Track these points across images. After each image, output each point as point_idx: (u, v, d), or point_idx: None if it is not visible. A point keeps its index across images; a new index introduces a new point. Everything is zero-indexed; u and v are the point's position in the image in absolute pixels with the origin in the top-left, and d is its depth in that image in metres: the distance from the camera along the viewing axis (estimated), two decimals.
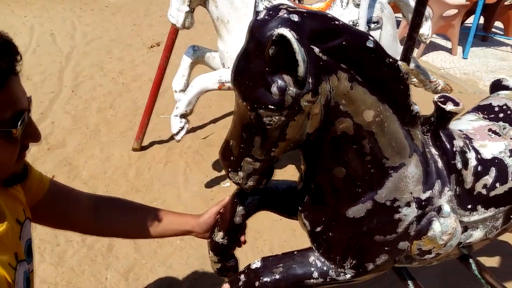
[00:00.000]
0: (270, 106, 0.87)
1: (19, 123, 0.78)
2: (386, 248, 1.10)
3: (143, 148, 3.21)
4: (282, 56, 0.82)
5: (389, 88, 0.97)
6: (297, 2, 2.95)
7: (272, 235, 2.52)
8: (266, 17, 0.87)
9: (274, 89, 0.85)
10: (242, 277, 1.16)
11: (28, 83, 4.10)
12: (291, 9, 0.87)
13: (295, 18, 0.85)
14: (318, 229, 1.14)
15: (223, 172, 3.01)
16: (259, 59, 0.86)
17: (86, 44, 5.10)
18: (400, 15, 3.16)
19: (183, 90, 2.63)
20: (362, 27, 2.53)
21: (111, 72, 4.44)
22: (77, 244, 2.39)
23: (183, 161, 3.14)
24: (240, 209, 1.22)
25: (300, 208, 1.21)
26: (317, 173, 1.09)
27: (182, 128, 2.53)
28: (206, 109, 3.84)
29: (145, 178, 2.93)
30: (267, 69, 0.85)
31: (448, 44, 5.81)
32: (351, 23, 2.53)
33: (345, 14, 2.59)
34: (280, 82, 0.85)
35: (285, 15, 0.85)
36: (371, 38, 0.90)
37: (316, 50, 0.87)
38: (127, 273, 2.25)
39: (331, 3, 2.64)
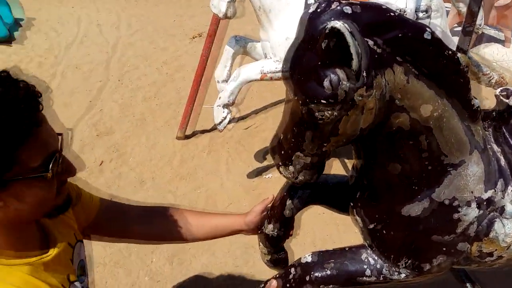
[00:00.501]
0: (322, 101, 0.85)
1: (50, 166, 0.81)
2: (444, 249, 1.06)
3: (186, 137, 3.28)
4: (335, 50, 0.80)
5: (448, 81, 0.93)
6: None
7: (315, 228, 2.51)
8: (318, 10, 0.85)
9: (326, 83, 0.84)
10: (293, 270, 1.16)
11: (77, 72, 4.26)
12: (344, 1, 0.85)
13: (348, 10, 0.83)
14: (371, 226, 1.12)
15: (265, 163, 3.03)
16: (311, 53, 0.84)
17: (130, 35, 5.22)
18: (448, 4, 3.03)
19: (226, 81, 2.64)
20: (410, 16, 2.44)
21: (155, 62, 4.53)
22: None
23: (225, 150, 3.18)
24: (290, 202, 1.22)
25: (351, 203, 1.19)
26: (370, 168, 1.07)
27: (225, 118, 2.55)
28: (247, 99, 3.86)
29: (189, 166, 2.99)
30: (319, 63, 0.83)
31: (500, 36, 5.52)
32: (397, 11, 2.44)
33: (391, 1, 2.51)
34: (333, 76, 0.83)
35: (338, 8, 0.83)
36: (429, 29, 0.87)
37: (371, 43, 0.85)
38: (172, 258, 2.31)
39: None
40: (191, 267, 2.28)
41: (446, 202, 1.03)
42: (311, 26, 0.84)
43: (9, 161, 0.76)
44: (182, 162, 3.03)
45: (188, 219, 1.30)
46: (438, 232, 1.05)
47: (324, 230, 2.50)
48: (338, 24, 0.78)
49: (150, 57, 4.64)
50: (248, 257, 2.32)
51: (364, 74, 0.84)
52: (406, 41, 0.86)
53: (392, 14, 0.86)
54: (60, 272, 0.94)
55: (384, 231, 1.10)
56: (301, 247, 2.35)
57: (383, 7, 0.87)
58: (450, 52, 0.90)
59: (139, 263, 2.28)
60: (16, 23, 5.14)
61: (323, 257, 1.15)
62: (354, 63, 0.80)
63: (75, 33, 5.22)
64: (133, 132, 3.34)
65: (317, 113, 0.88)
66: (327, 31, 0.79)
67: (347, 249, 1.17)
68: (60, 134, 0.88)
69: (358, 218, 1.17)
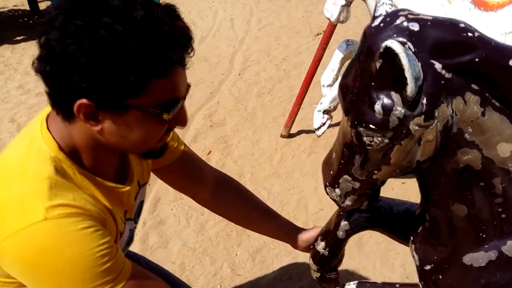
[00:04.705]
0: (370, 126, 0.78)
1: (171, 109, 0.82)
2: None
3: (290, 136, 3.30)
4: (390, 71, 0.73)
5: None
6: None
7: (407, 250, 2.31)
8: (381, 24, 0.77)
9: (377, 106, 0.76)
10: None
11: (204, 64, 4.59)
12: (412, 17, 0.76)
13: (415, 27, 0.74)
14: (428, 267, 1.00)
15: None
16: (366, 71, 0.78)
17: (258, 30, 5.41)
18: None
19: (331, 85, 2.58)
20: None
21: (276, 58, 4.63)
22: (218, 216, 2.62)
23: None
24: (344, 224, 1.16)
25: (411, 237, 1.08)
26: (433, 205, 0.95)
27: (324, 123, 2.51)
28: None
29: (287, 165, 3.02)
30: (372, 83, 0.77)
31: None
32: (479, 31, 1.99)
33: None
34: (386, 100, 0.76)
35: (404, 24, 0.75)
36: None
37: (438, 66, 0.74)
38: (255, 254, 2.38)
39: None
40: (272, 267, 2.32)
41: None
42: (371, 41, 0.77)
43: (139, 87, 0.75)
44: (282, 160, 3.07)
45: (258, 211, 1.34)
46: None
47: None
48: (394, 43, 0.70)
49: (272, 52, 4.76)
50: None
51: (424, 101, 0.75)
52: (485, 66, 0.74)
53: (469, 34, 0.74)
54: (123, 207, 0.98)
55: (440, 277, 0.97)
56: (387, 268, 2.21)
57: (460, 25, 0.75)
58: None
59: (225, 254, 2.39)
60: None
61: None
62: (409, 89, 0.72)
63: (210, 27, 5.60)
64: (242, 126, 3.49)
65: (365, 138, 0.81)
66: (381, 50, 0.72)
67: (397, 286, 1.07)
68: (188, 85, 0.89)
69: (415, 255, 1.05)
